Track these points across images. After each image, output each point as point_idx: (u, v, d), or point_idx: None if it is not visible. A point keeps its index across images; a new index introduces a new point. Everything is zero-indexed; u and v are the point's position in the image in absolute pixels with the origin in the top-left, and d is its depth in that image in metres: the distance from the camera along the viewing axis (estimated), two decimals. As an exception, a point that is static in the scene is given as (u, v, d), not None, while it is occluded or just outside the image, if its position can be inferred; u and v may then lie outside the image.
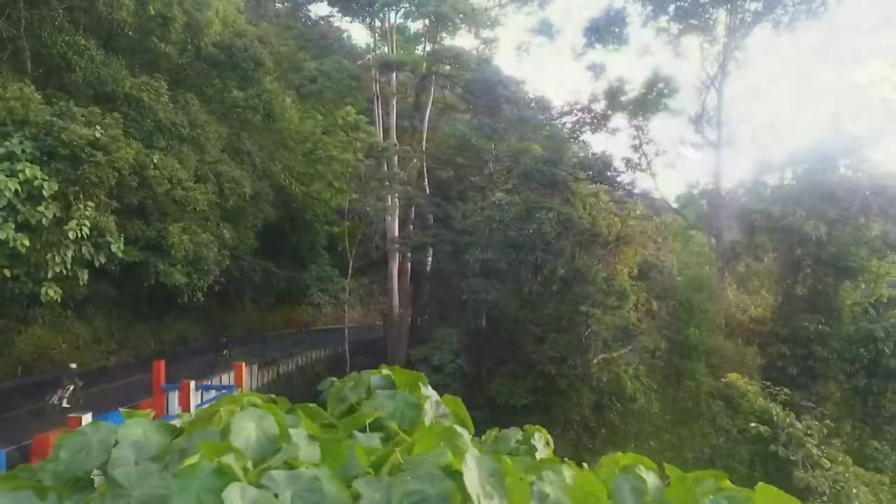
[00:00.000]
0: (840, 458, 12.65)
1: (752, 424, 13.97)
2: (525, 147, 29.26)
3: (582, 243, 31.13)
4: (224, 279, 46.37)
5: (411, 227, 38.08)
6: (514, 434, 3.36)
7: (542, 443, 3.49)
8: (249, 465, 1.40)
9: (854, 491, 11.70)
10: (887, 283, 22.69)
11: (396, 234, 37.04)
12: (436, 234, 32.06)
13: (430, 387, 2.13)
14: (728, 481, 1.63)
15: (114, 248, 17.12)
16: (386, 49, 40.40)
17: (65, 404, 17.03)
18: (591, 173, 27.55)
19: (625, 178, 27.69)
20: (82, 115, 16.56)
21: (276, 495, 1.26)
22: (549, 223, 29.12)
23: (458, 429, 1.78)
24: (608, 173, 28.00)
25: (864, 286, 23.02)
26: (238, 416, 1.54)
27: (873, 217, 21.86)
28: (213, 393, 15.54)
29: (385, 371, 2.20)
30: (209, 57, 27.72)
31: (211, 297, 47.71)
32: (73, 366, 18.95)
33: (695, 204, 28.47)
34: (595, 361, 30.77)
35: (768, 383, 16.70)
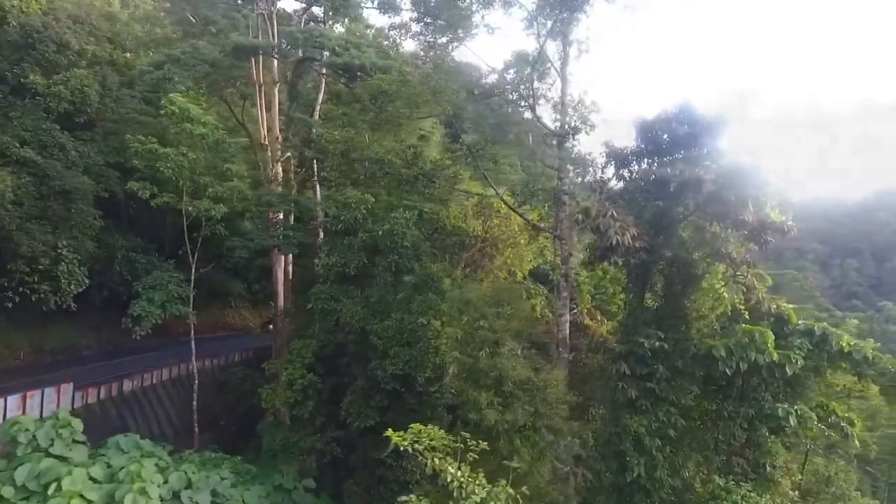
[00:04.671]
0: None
1: (405, 498, 10.04)
2: (349, 137, 26.12)
3: (446, 247, 28.05)
4: (113, 282, 43.58)
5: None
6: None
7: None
8: None
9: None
10: (728, 293, 19.51)
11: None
12: (285, 236, 28.94)
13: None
14: None
15: None
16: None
17: None
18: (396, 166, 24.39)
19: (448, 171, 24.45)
20: None
21: None
22: (404, 223, 26.03)
23: None
24: (420, 164, 24.85)
25: (711, 296, 19.88)
26: None
27: (707, 218, 18.71)
28: None
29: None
30: (11, 40, 24.69)
31: (104, 301, 44.82)
32: None
33: (531, 202, 25.37)
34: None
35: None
